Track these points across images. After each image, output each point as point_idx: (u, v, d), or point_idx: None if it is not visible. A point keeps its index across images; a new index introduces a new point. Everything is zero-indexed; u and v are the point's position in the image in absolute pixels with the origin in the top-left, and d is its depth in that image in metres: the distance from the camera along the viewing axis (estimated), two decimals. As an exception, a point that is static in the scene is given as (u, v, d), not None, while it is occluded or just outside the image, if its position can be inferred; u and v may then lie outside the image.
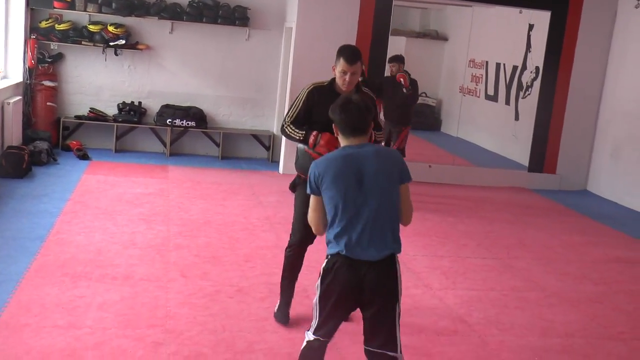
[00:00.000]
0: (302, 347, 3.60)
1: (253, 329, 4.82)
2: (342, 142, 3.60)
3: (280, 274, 5.00)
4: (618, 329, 5.42)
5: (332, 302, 3.47)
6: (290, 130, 4.71)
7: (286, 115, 4.80)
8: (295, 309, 5.01)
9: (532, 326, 5.30)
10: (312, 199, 3.54)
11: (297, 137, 4.66)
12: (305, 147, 4.62)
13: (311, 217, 3.57)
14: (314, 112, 4.68)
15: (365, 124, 3.55)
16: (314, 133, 4.56)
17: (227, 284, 5.63)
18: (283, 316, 4.92)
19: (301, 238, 4.79)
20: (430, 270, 6.39)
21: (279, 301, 5.00)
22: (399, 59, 9.02)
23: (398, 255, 3.51)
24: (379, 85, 8.95)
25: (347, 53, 4.60)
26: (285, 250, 4.93)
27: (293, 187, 4.93)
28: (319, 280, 3.51)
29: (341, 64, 4.58)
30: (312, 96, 4.72)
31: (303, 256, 4.92)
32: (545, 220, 8.81)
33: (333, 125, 3.62)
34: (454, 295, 5.79)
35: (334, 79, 4.72)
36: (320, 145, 4.50)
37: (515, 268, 6.69)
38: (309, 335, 3.57)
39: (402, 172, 3.53)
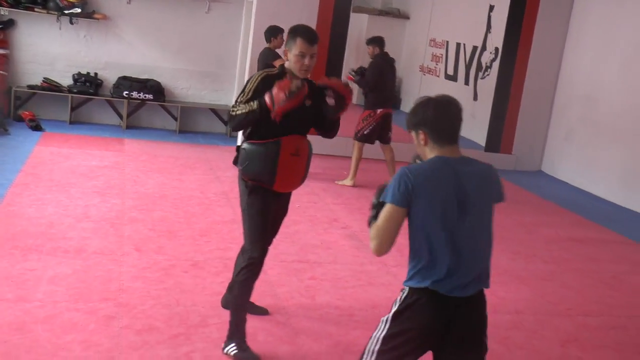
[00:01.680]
0: None
1: (207, 303, 4.80)
2: (432, 152, 2.94)
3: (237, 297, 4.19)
4: (565, 306, 5.55)
5: (404, 343, 2.87)
6: (241, 108, 3.93)
7: (235, 103, 4.02)
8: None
9: (483, 303, 5.39)
10: (393, 209, 2.85)
11: (254, 108, 3.88)
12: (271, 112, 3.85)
13: (385, 230, 2.87)
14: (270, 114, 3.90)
15: (459, 130, 2.98)
16: (267, 94, 3.85)
17: (182, 258, 5.60)
18: (252, 355, 4.09)
19: (262, 250, 4.11)
20: (386, 247, 6.43)
21: (235, 342, 4.10)
22: (379, 42, 8.67)
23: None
24: (383, 68, 8.61)
25: (305, 32, 3.98)
26: (240, 273, 4.11)
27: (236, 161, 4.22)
28: (390, 315, 2.91)
29: (298, 45, 3.94)
30: (266, 85, 3.92)
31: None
32: (500, 200, 8.92)
33: (419, 131, 2.94)
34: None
35: (283, 67, 4.08)
36: (276, 93, 3.81)
37: (469, 246, 6.77)
38: None
39: (499, 192, 3.01)
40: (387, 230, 2.87)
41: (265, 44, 8.48)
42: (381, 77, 8.52)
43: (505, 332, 4.91)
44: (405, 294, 2.91)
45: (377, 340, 2.91)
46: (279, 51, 8.21)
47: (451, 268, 2.83)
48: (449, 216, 2.84)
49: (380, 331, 2.92)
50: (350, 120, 8.82)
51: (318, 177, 8.59)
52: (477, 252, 2.91)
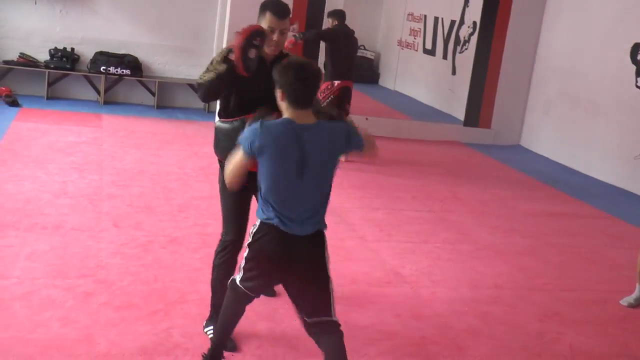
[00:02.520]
0: (228, 287, 3.61)
1: (185, 279, 4.79)
2: (287, 112, 3.31)
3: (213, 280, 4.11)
4: (543, 280, 5.60)
5: (258, 268, 3.45)
6: (209, 75, 3.83)
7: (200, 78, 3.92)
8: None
9: (463, 278, 5.42)
10: (241, 157, 3.33)
11: (220, 70, 3.80)
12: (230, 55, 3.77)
13: (232, 170, 3.39)
14: (238, 81, 3.80)
15: (313, 97, 3.34)
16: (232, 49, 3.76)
17: (160, 234, 5.57)
18: (230, 341, 3.97)
19: (237, 232, 4.01)
20: (365, 222, 6.45)
21: (214, 326, 3.98)
22: (337, 14, 8.69)
23: (325, 231, 3.47)
24: (332, 36, 8.60)
25: (276, 6, 3.87)
26: (216, 257, 4.06)
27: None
28: (249, 243, 3.46)
29: (268, 19, 3.81)
30: (231, 60, 3.79)
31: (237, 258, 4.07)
32: (479, 175, 8.97)
33: (279, 89, 3.29)
34: (387, 247, 5.87)
35: None
36: (237, 42, 3.69)
37: (448, 221, 6.81)
38: (237, 281, 3.54)
39: (349, 144, 3.40)
40: (234, 171, 3.39)
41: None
42: (334, 47, 8.52)
43: (485, 307, 4.94)
44: (257, 227, 3.42)
45: (244, 260, 3.50)
46: None
47: (289, 215, 3.32)
48: (289, 172, 3.27)
49: (245, 253, 3.49)
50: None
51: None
52: (313, 202, 3.36)
